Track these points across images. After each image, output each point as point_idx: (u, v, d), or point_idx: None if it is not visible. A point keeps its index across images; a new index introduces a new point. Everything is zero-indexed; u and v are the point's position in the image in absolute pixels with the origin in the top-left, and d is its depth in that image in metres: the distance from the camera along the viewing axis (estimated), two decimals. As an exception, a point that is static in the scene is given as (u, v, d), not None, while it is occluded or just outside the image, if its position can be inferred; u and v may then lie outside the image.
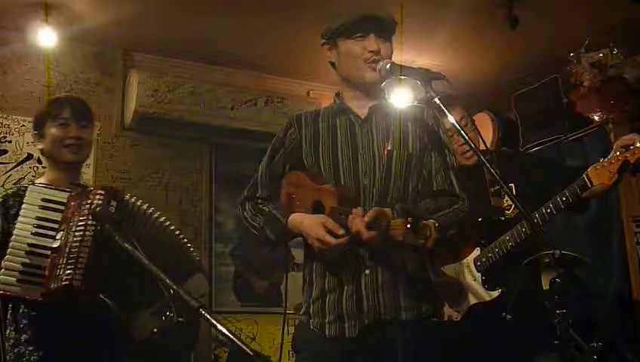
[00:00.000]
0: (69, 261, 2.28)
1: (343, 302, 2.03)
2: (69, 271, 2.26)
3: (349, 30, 2.13)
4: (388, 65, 2.04)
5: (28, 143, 4.28)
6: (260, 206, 2.20)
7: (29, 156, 4.29)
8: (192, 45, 4.60)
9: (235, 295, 4.84)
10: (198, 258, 2.67)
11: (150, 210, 2.54)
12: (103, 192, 2.40)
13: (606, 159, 2.32)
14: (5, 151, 4.24)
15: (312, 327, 2.09)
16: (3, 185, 4.15)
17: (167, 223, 2.57)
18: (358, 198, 2.05)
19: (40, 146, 2.57)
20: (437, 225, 1.84)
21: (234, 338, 1.68)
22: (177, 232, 2.60)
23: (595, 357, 2.02)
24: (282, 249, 2.50)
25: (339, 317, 2.03)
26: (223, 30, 4.38)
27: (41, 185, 2.50)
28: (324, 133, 2.18)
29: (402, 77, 2.13)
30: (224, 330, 1.69)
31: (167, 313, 2.27)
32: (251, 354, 1.68)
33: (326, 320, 2.05)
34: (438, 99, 1.93)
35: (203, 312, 1.75)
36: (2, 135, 4.24)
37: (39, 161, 4.28)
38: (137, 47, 4.68)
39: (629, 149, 2.25)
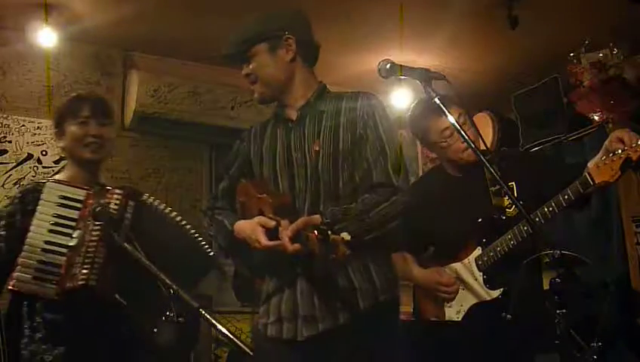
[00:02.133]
0: (86, 260, 2.28)
1: (282, 305, 2.07)
2: (85, 271, 2.27)
3: (233, 64, 2.36)
4: (388, 65, 2.04)
5: (28, 143, 4.29)
6: (216, 216, 2.25)
7: (29, 156, 4.29)
8: (192, 45, 4.59)
9: (235, 295, 4.83)
10: (212, 253, 2.63)
11: (167, 210, 2.53)
12: (120, 192, 2.40)
13: (605, 156, 2.31)
14: (5, 151, 4.24)
15: (259, 327, 2.14)
16: (3, 185, 4.15)
17: (184, 222, 2.54)
18: (292, 204, 2.06)
19: (61, 144, 2.56)
20: (346, 239, 1.80)
21: (234, 338, 1.68)
22: (193, 231, 2.56)
23: (595, 357, 2.02)
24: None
25: (278, 318, 2.07)
26: (223, 30, 4.36)
27: (58, 182, 2.46)
28: (267, 142, 2.23)
29: (402, 77, 2.13)
30: (224, 330, 1.70)
31: (167, 313, 2.27)
32: (251, 354, 1.69)
33: (268, 321, 2.10)
34: (438, 98, 1.93)
35: (203, 312, 1.75)
36: (2, 135, 4.24)
37: (39, 161, 4.28)
38: (137, 47, 4.67)
39: (631, 146, 2.25)
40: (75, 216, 2.37)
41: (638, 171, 2.33)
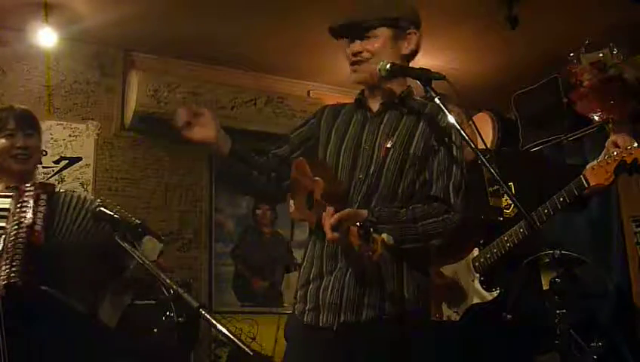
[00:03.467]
0: (6, 261, 2.31)
1: (320, 292, 2.05)
2: (5, 270, 2.29)
3: (336, 35, 2.17)
4: (388, 65, 2.04)
5: (28, 143, 4.28)
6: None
7: (29, 156, 4.28)
8: (192, 45, 4.60)
9: (235, 295, 4.84)
10: (138, 221, 2.59)
11: (83, 197, 2.55)
12: (32, 188, 2.43)
13: (601, 159, 2.33)
14: (5, 151, 4.23)
15: (296, 313, 2.12)
16: (3, 185, 4.15)
17: (100, 204, 2.46)
18: (345, 193, 2.05)
19: None
20: (386, 241, 1.78)
21: (234, 338, 1.68)
22: (110, 208, 2.49)
23: (595, 357, 2.02)
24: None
25: (316, 305, 2.05)
26: (223, 30, 4.39)
27: None
28: (339, 126, 2.21)
29: (402, 77, 2.13)
30: (224, 330, 1.69)
31: (168, 313, 2.27)
32: (251, 354, 1.69)
33: (306, 307, 2.08)
34: (438, 98, 1.93)
35: (203, 312, 1.75)
36: (2, 135, 4.24)
37: (40, 162, 4.27)
38: (137, 47, 4.68)
39: (626, 149, 2.26)
40: (3, 224, 2.38)
41: (634, 174, 2.34)
